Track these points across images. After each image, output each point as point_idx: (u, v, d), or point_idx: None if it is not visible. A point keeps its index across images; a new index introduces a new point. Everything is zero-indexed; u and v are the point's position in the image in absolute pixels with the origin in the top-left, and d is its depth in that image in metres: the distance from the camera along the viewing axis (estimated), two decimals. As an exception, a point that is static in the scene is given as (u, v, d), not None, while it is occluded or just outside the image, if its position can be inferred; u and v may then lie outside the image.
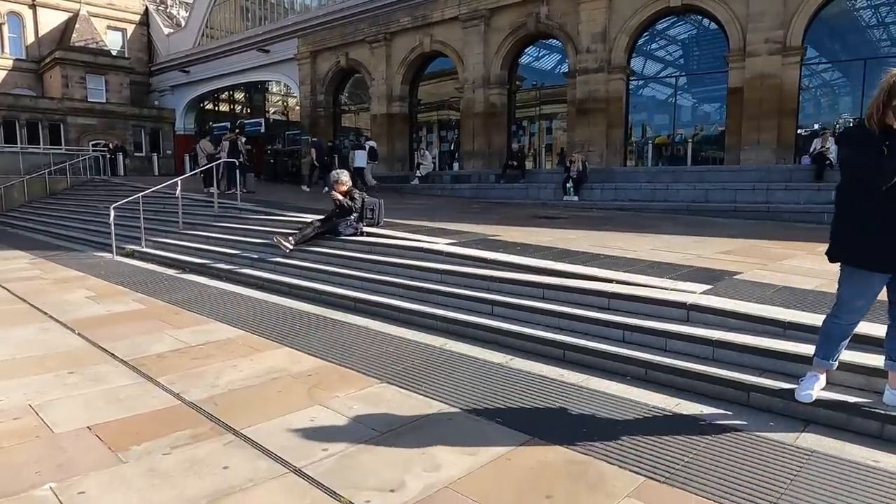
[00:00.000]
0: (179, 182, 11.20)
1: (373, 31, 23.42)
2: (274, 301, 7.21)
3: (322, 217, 9.24)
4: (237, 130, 16.42)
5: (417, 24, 22.20)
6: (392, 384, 4.38)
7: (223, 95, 30.95)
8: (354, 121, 27.16)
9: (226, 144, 15.56)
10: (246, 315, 6.55)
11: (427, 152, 20.42)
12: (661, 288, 5.39)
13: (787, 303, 4.89)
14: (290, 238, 8.73)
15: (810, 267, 6.60)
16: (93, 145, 27.54)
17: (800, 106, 16.57)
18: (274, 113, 29.47)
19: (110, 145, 25.86)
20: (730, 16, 16.29)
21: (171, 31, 31.86)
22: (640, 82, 19.74)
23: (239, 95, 30.96)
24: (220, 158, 15.40)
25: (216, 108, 31.56)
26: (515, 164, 17.16)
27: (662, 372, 4.35)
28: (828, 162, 13.84)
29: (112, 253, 10.85)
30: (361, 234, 8.76)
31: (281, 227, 10.03)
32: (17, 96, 28.01)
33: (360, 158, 18.99)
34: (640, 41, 18.70)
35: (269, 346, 5.39)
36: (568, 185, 15.30)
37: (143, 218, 11.27)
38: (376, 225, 9.34)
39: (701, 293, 5.20)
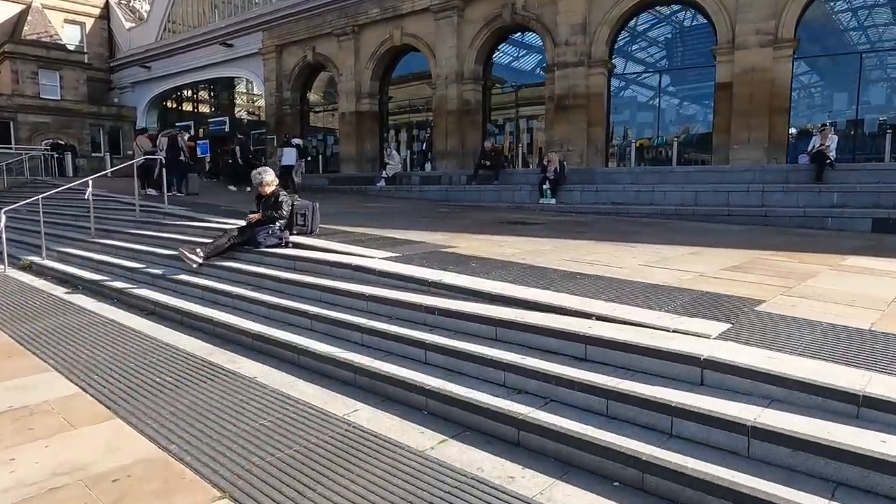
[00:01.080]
0: (91, 182, 9.37)
1: (341, 23, 21.64)
2: (156, 336, 5.45)
3: (243, 225, 7.49)
4: (180, 128, 14.52)
5: (387, 16, 20.47)
6: None
7: (187, 93, 28.99)
8: (325, 120, 25.37)
9: (164, 142, 13.72)
10: (104, 359, 4.79)
11: (394, 151, 18.69)
12: (659, 328, 3.74)
13: (848, 354, 3.26)
14: (200, 250, 6.97)
15: (847, 290, 5.00)
16: (47, 145, 25.45)
17: (791, 103, 15.16)
18: (239, 111, 27.57)
19: (61, 143, 23.78)
20: (718, 6, 14.79)
21: (133, 24, 29.82)
22: (623, 79, 18.27)
23: (205, 93, 29.03)
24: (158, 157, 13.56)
25: (179, 107, 29.57)
26: (489, 163, 15.52)
27: (663, 478, 2.69)
28: (828, 161, 12.36)
29: (4, 265, 9.00)
30: (287, 244, 7.02)
31: (203, 234, 8.28)
32: (-37, 92, 25.87)
33: (287, 156, 17.61)
34: (622, 40, 17.22)
35: (96, 418, 3.65)
36: (545, 186, 13.67)
37: (44, 223, 9.43)
38: (309, 233, 7.62)
39: (718, 337, 3.56)
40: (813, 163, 12.59)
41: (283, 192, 7.39)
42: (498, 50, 19.77)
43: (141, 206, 10.99)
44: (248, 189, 12.78)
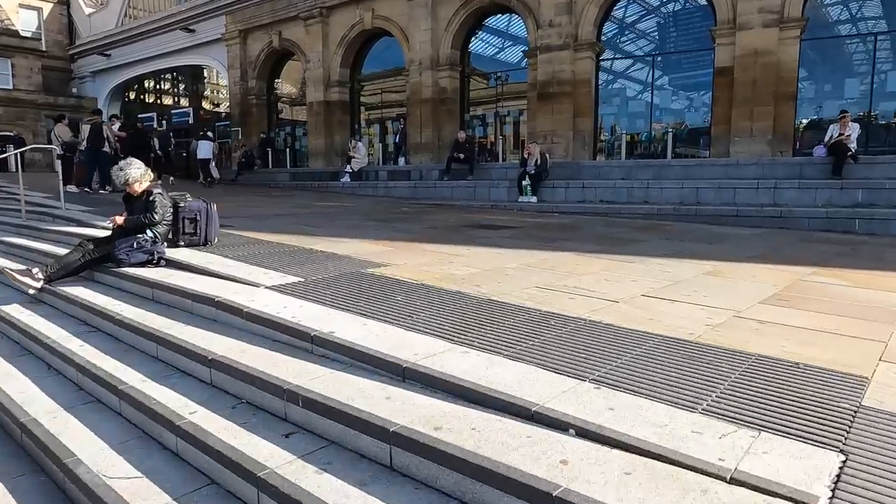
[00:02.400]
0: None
1: (307, 5, 19.50)
2: None
3: (108, 234, 5.47)
4: (113, 115, 12.39)
5: (357, -3, 18.45)
6: None
7: (150, 83, 26.71)
8: (300, 113, 23.21)
9: (85, 129, 11.64)
10: None
11: (360, 144, 16.64)
12: (700, 469, 1.80)
13: None
14: (39, 271, 4.96)
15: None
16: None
17: (799, 90, 13.30)
18: (205, 102, 25.36)
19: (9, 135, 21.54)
20: (717, -20, 12.94)
21: (93, 10, 27.50)
22: (611, 66, 16.32)
23: (170, 83, 26.79)
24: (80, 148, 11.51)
25: (142, 98, 27.31)
26: (463, 157, 13.55)
27: None
28: (849, 153, 10.50)
29: None
30: (158, 262, 5.02)
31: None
32: None
33: (203, 149, 17.13)
34: (610, 30, 15.31)
35: None
36: (524, 182, 11.73)
37: None
38: (202, 244, 5.63)
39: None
40: (830, 155, 10.73)
41: (158, 191, 5.38)
42: (477, 38, 17.80)
43: (37, 205, 8.94)
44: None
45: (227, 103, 23.23)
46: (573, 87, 14.75)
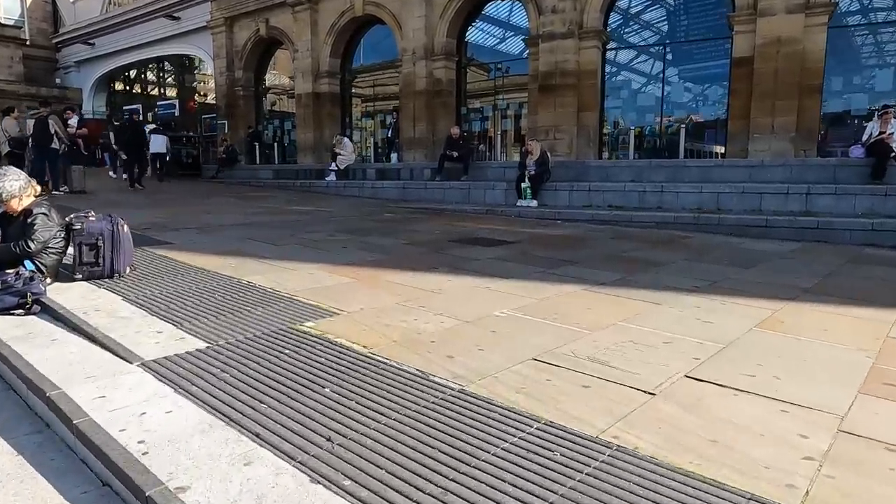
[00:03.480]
0: None
1: (295, -10, 18.13)
2: None
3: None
4: (65, 108, 11.03)
5: (348, -18, 17.02)
6: None
7: (136, 74, 25.31)
8: (290, 105, 21.81)
9: (30, 123, 10.31)
10: None
11: (346, 140, 15.26)
12: None
13: None
14: None
15: None
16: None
17: (825, 82, 11.90)
18: (192, 94, 23.94)
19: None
20: (738, -41, 11.52)
21: (78, -3, 26.09)
22: (616, 59, 14.91)
23: (157, 74, 25.37)
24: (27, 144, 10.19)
25: (128, 88, 25.90)
26: (456, 155, 12.20)
27: None
28: (893, 153, 9.13)
29: None
30: (32, 307, 3.71)
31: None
32: None
33: (157, 143, 16.80)
34: (615, 18, 13.90)
35: None
36: (523, 184, 10.39)
37: None
38: (108, 276, 4.33)
39: None
40: (870, 156, 9.37)
41: (42, 210, 4.07)
42: (475, 26, 16.38)
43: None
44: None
45: (210, 93, 21.87)
46: (577, 79, 13.37)
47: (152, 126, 18.54)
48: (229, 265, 5.08)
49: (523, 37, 14.82)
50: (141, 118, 13.69)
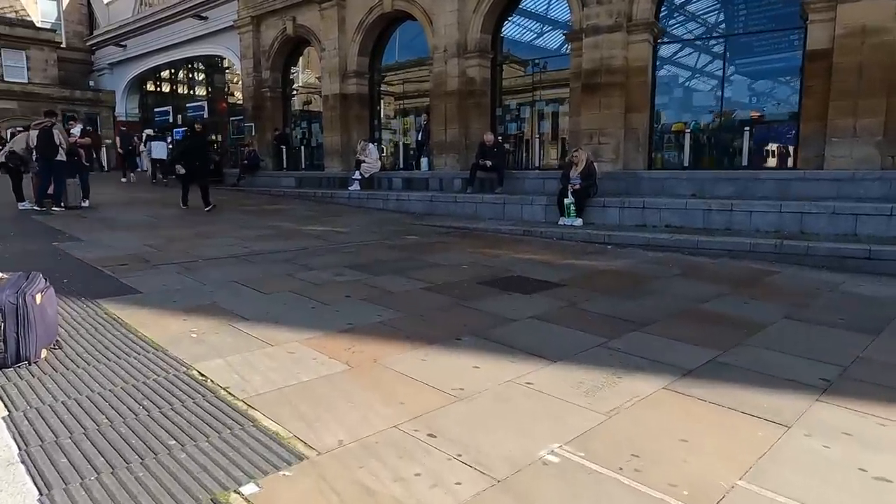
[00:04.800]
0: None
1: (322, -14, 16.95)
2: None
3: None
4: (67, 116, 10.05)
5: (376, -24, 15.75)
6: None
7: (166, 74, 24.66)
8: (319, 105, 20.69)
9: (32, 136, 9.33)
10: None
11: (371, 146, 13.97)
12: None
13: None
14: None
15: None
16: (10, 133, 21.44)
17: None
18: (220, 95, 23.12)
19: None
20: (816, -64, 9.77)
21: (111, -1, 25.60)
22: (666, 55, 13.16)
23: (188, 75, 24.65)
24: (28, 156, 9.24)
25: (159, 89, 25.30)
26: (490, 164, 10.79)
27: None
28: None
29: None
30: None
31: None
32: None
33: (158, 150, 17.22)
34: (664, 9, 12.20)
35: None
36: (566, 200, 8.92)
37: None
38: (14, 363, 3.14)
39: None
40: None
41: None
42: (510, 21, 14.87)
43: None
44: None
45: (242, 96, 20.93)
46: (626, 77, 11.80)
47: (149, 132, 18.76)
48: (190, 335, 3.83)
49: (564, 31, 13.29)
50: (202, 126, 12.38)
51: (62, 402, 2.82)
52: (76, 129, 10.22)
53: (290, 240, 7.83)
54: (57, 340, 3.52)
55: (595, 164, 9.48)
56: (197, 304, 4.56)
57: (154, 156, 17.17)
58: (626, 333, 4.16)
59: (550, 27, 14.98)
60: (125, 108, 25.25)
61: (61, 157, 9.37)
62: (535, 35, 15.65)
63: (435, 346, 3.78)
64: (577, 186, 8.91)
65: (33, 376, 3.13)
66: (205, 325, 4.07)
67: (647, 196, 9.34)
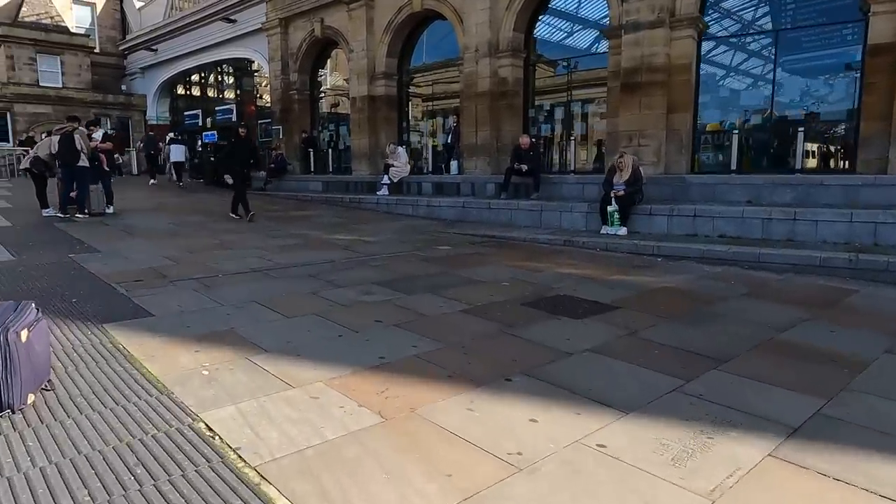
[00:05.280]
0: None
1: (350, -14, 16.54)
2: None
3: None
4: (88, 122, 9.74)
5: (405, -25, 15.25)
6: None
7: (196, 78, 24.57)
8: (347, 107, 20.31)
9: (54, 141, 9.04)
10: None
11: (401, 150, 13.44)
12: None
13: None
14: None
15: None
16: (44, 135, 21.55)
17: None
18: (249, 98, 22.90)
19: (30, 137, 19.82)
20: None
21: (143, 3, 25.59)
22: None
23: (217, 78, 24.54)
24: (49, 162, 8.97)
25: (188, 93, 25.24)
26: (525, 168, 10.16)
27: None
28: None
29: None
30: None
31: None
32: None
33: (176, 153, 17.55)
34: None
35: None
36: (609, 207, 8.24)
37: None
38: (-14, 419, 2.67)
39: None
40: None
41: None
42: (541, 21, 14.21)
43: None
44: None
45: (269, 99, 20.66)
46: (668, 76, 11.07)
47: (172, 135, 18.76)
48: (202, 371, 3.32)
49: (602, 27, 12.57)
50: (245, 130, 11.59)
51: (40, 469, 2.32)
52: (97, 134, 9.92)
53: (315, 251, 7.33)
54: (49, 380, 3.05)
55: (640, 168, 8.76)
56: (212, 331, 4.06)
57: (173, 159, 17.21)
58: (703, 373, 3.52)
59: (585, 25, 14.29)
60: (156, 111, 25.27)
61: (83, 162, 9.06)
62: (565, 35, 14.98)
63: (482, 390, 3.20)
64: (622, 193, 8.23)
65: (14, 429, 2.64)
66: (218, 357, 3.56)
67: (696, 202, 8.60)
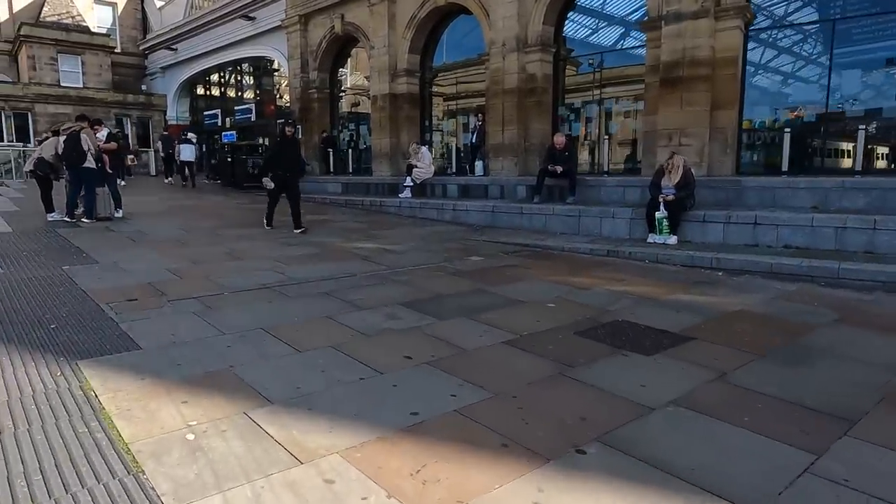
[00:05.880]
0: None
1: (371, -19, 15.81)
2: None
3: None
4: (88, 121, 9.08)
5: (429, -33, 14.48)
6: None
7: (215, 78, 24.05)
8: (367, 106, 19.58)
9: (56, 141, 8.42)
10: None
11: (424, 149, 12.62)
12: None
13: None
14: None
15: None
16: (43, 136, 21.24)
17: None
18: (269, 97, 22.30)
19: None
20: None
21: (163, 2, 25.17)
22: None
23: (236, 77, 24.00)
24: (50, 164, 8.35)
25: (208, 93, 24.74)
26: (560, 170, 9.29)
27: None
28: None
29: None
30: None
31: None
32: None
33: (186, 152, 17.18)
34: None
35: None
36: (658, 213, 7.35)
37: None
38: None
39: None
40: None
41: None
42: (570, 18, 13.34)
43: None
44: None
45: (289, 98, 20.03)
46: (712, 69, 10.14)
47: (191, 135, 18.49)
48: (186, 436, 2.55)
49: (638, 20, 11.65)
50: (293, 129, 10.19)
51: None
52: (101, 134, 9.21)
53: (333, 262, 6.57)
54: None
55: (692, 170, 7.84)
56: (207, 371, 3.30)
57: (182, 158, 17.01)
58: (833, 442, 2.66)
59: (619, 17, 13.37)
60: (176, 111, 24.83)
61: (89, 163, 8.41)
62: (592, 30, 14.06)
63: (550, 468, 2.38)
64: (672, 197, 7.32)
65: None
66: (210, 411, 2.80)
67: (753, 208, 7.66)
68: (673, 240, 7.32)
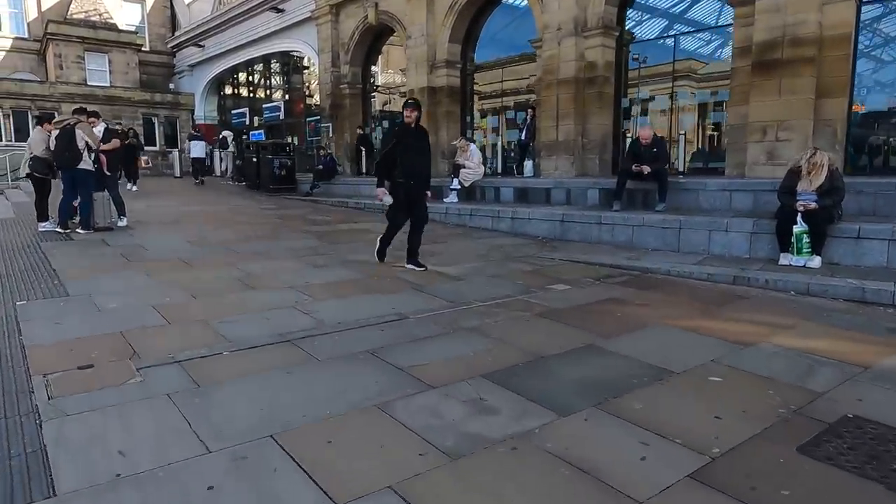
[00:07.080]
0: None
1: (408, -35, 14.18)
2: None
3: None
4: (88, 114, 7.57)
5: (471, -54, 12.78)
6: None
7: (243, 76, 22.65)
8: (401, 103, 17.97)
9: (43, 138, 6.94)
10: None
11: (474, 147, 10.79)
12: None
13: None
14: None
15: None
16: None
17: None
18: (298, 95, 20.82)
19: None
20: None
21: (192, -1, 23.99)
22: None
23: (265, 75, 22.62)
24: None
25: (236, 91, 23.38)
26: (649, 170, 7.39)
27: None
28: None
29: None
30: None
31: None
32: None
33: (196, 149, 16.99)
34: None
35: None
36: (796, 228, 5.48)
37: None
38: None
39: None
40: None
41: None
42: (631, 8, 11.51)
43: None
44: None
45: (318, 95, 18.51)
46: (818, 50, 8.20)
47: (227, 133, 17.46)
48: None
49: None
50: (417, 112, 6.38)
51: None
52: (98, 129, 7.60)
53: (374, 292, 4.87)
54: None
55: (837, 169, 5.91)
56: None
57: (193, 155, 16.81)
58: None
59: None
60: (203, 110, 23.57)
61: (86, 164, 6.90)
62: (667, 7, 12.13)
63: None
64: (815, 206, 5.43)
65: None
66: None
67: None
68: (816, 262, 5.43)
